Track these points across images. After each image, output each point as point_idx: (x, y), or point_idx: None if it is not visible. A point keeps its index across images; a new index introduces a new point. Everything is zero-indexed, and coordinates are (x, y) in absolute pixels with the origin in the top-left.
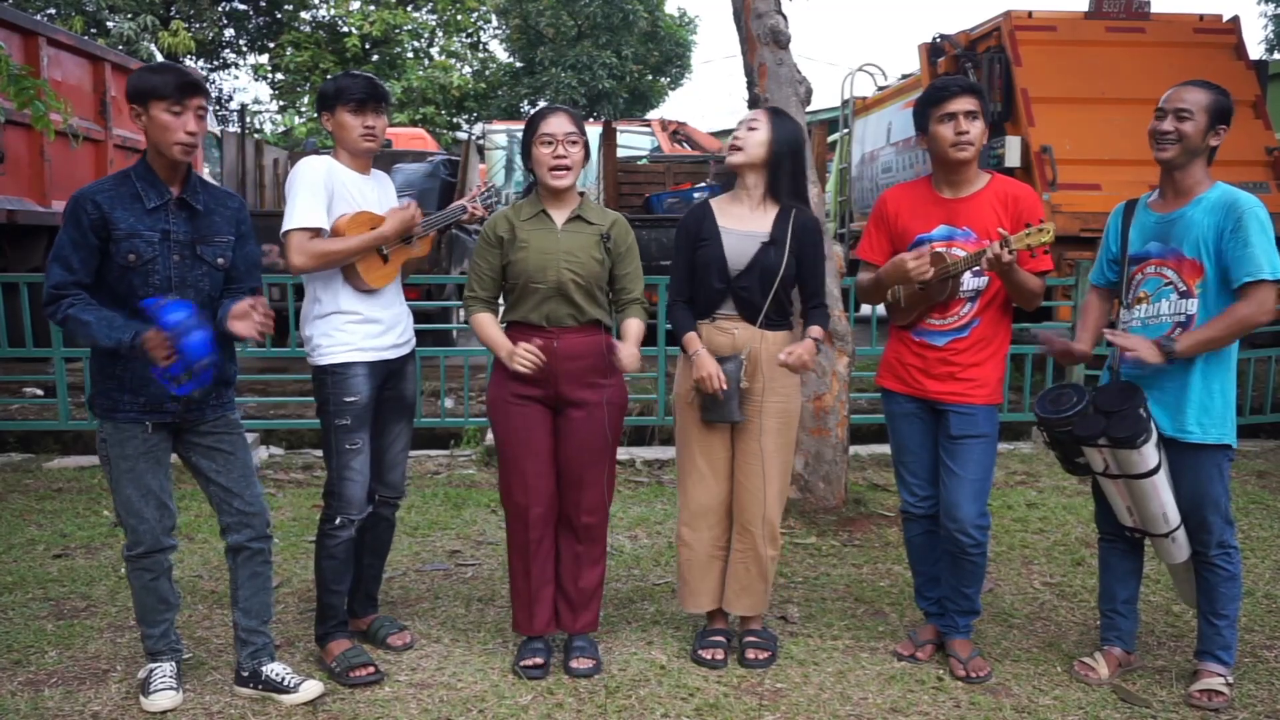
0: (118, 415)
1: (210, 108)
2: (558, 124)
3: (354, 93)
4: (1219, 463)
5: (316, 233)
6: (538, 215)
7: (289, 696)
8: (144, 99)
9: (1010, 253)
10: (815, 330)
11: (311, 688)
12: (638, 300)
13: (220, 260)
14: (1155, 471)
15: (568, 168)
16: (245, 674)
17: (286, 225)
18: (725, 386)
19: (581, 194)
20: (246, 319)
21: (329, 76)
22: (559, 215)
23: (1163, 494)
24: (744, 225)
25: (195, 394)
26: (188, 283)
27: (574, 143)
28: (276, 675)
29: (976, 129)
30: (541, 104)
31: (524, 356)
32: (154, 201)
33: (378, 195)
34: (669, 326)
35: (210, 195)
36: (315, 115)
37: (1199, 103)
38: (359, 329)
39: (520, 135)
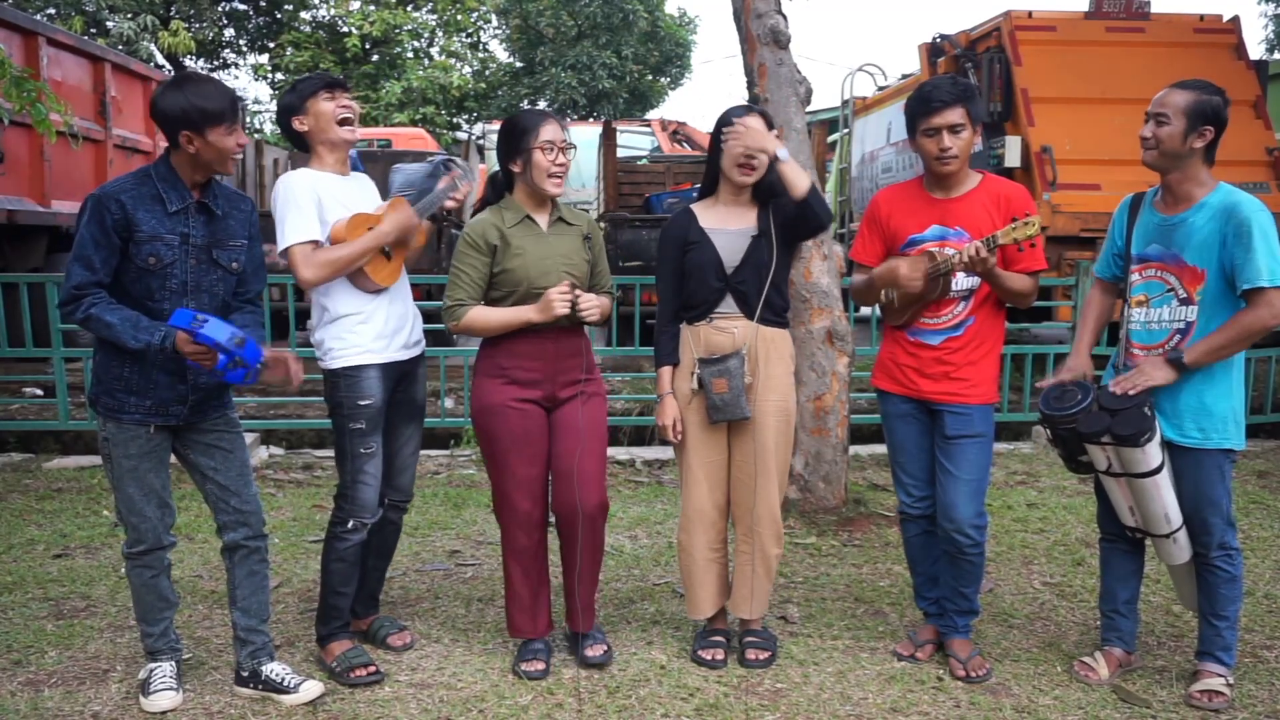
0: (123, 417)
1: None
2: (555, 131)
3: (316, 83)
4: (1220, 465)
5: (316, 245)
6: (523, 221)
7: (289, 697)
8: (199, 125)
9: (991, 250)
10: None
11: (311, 688)
12: (607, 291)
13: (235, 264)
14: (1158, 471)
15: (564, 174)
16: (245, 674)
17: (286, 242)
18: (679, 438)
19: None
20: (276, 371)
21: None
22: (542, 219)
23: (1165, 494)
24: (730, 224)
25: (248, 378)
26: (203, 287)
27: (567, 150)
28: (276, 675)
29: (961, 142)
30: (554, 106)
31: (561, 295)
32: (175, 205)
33: (361, 196)
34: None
35: (226, 198)
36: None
37: (1177, 105)
38: (370, 329)
39: None
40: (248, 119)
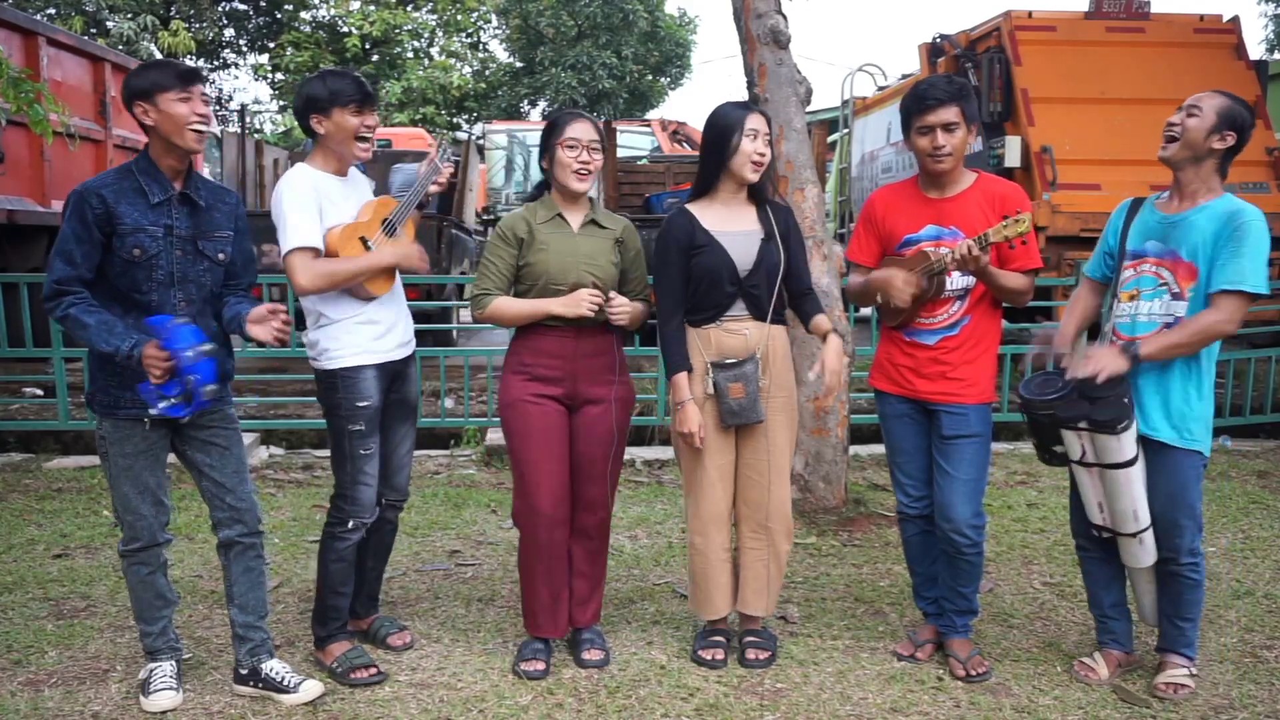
0: (118, 413)
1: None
2: (583, 130)
3: (352, 94)
4: (1196, 467)
5: (317, 252)
6: (554, 218)
7: (289, 696)
8: (149, 94)
9: (983, 248)
10: (823, 322)
11: (311, 688)
12: (642, 298)
13: (221, 255)
14: (1132, 463)
15: (590, 172)
16: (244, 672)
17: (288, 245)
18: (701, 444)
19: (590, 199)
20: (265, 324)
21: (312, 74)
22: (574, 219)
23: (1135, 490)
24: (735, 225)
25: (184, 419)
26: (189, 278)
27: (595, 150)
28: (276, 674)
29: (955, 140)
30: (554, 106)
31: (591, 298)
32: (157, 196)
33: (357, 198)
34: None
35: (209, 191)
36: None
37: (1211, 104)
38: (366, 330)
39: (521, 135)
40: (249, 118)
